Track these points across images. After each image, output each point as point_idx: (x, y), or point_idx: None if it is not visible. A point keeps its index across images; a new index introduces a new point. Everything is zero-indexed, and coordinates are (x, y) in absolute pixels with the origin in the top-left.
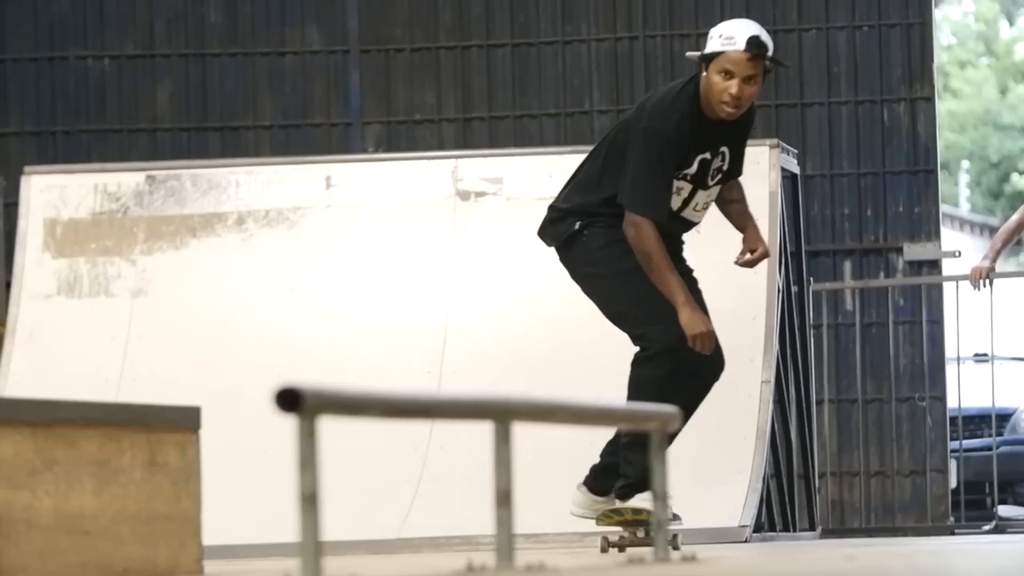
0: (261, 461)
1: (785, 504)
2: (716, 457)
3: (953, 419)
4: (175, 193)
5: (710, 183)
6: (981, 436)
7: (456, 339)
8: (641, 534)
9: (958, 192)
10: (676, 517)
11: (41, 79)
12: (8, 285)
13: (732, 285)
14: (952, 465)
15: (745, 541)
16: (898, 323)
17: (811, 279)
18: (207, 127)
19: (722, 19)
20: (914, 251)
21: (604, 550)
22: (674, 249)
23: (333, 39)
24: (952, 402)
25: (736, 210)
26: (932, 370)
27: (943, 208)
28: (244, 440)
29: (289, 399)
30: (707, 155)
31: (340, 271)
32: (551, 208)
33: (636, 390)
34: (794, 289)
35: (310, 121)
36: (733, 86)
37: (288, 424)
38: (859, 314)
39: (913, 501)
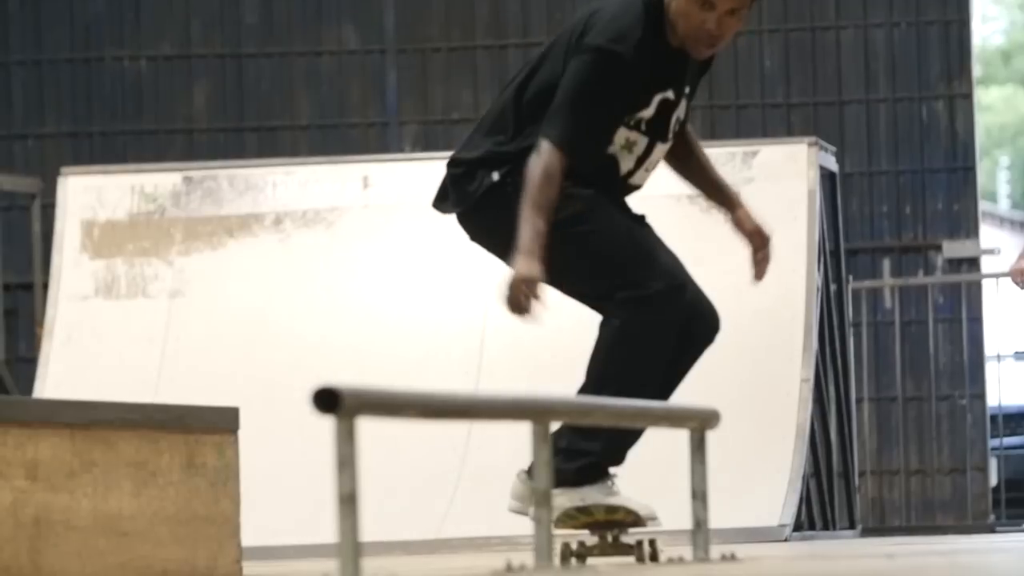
0: (299, 462)
1: (825, 503)
2: (756, 456)
3: (993, 417)
4: (212, 194)
5: (670, 134)
6: (1022, 434)
7: (494, 339)
8: (612, 539)
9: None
10: (653, 518)
11: (77, 80)
12: (46, 286)
13: (771, 284)
14: (992, 463)
15: (785, 540)
16: (938, 321)
17: (850, 277)
18: (244, 127)
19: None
20: (953, 248)
21: (565, 558)
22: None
23: (370, 39)
24: (992, 400)
25: (700, 170)
26: (972, 368)
27: (982, 205)
28: (282, 441)
29: (327, 400)
30: (670, 95)
31: (377, 271)
32: (452, 163)
33: (621, 344)
34: (833, 287)
35: (347, 121)
36: (712, 19)
37: (326, 425)
38: (898, 312)
39: (953, 499)
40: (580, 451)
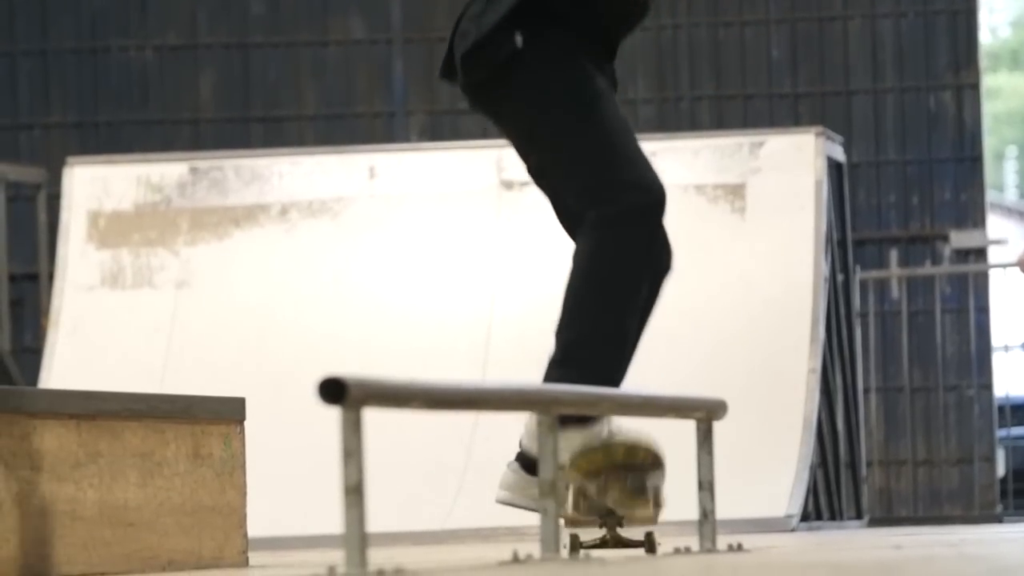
0: (305, 452)
1: (832, 493)
2: (762, 446)
3: (1001, 407)
4: (218, 184)
5: None
6: None
7: (501, 329)
8: (612, 537)
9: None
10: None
11: (83, 70)
12: (51, 277)
13: (778, 275)
14: (1000, 453)
15: (792, 531)
16: (945, 311)
17: (857, 267)
18: (250, 118)
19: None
20: (960, 239)
21: (574, 549)
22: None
23: (376, 28)
24: (1000, 390)
25: None
26: (979, 358)
27: (989, 195)
28: (288, 431)
29: (333, 390)
30: None
31: (384, 262)
32: (464, 21)
33: (596, 260)
34: (840, 278)
35: (353, 111)
36: None
37: (332, 415)
38: (906, 302)
39: (961, 490)
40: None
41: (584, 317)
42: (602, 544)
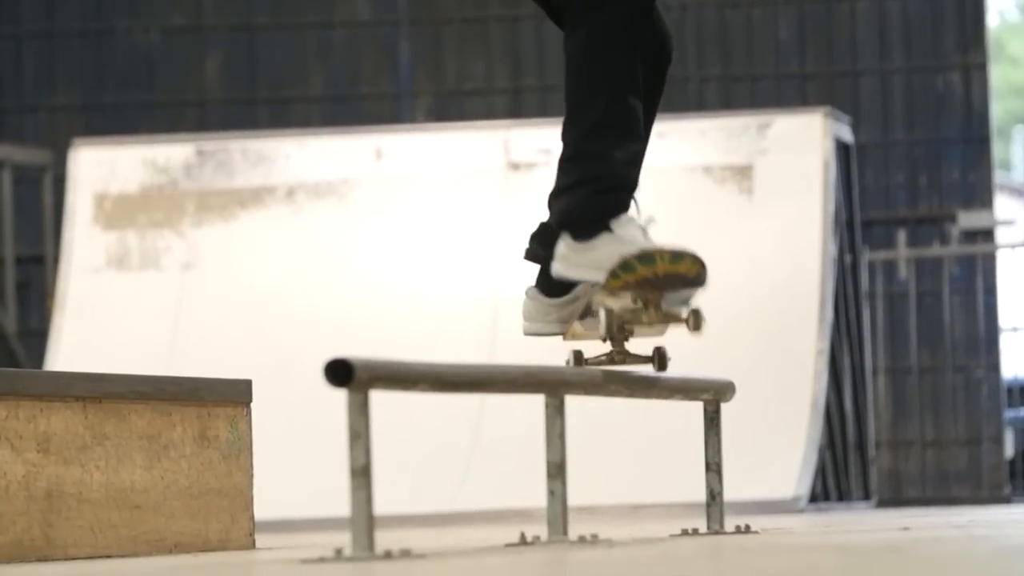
0: (312, 434)
1: (840, 475)
2: (770, 428)
3: (1009, 388)
4: (224, 166)
5: None
6: None
7: (508, 311)
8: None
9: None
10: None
11: (89, 52)
12: (57, 259)
13: (786, 256)
14: (1008, 435)
15: (800, 512)
16: (953, 292)
17: (865, 248)
18: (256, 99)
19: None
20: (969, 219)
21: (608, 332)
22: None
23: (382, 10)
24: (1008, 371)
25: None
26: (987, 339)
27: (997, 176)
28: (295, 413)
29: (340, 372)
30: None
31: (391, 243)
32: None
33: (585, 46)
34: (848, 259)
35: (359, 92)
36: None
37: (339, 397)
38: (914, 283)
39: (969, 471)
40: (607, 159)
41: (584, 108)
42: (609, 360)
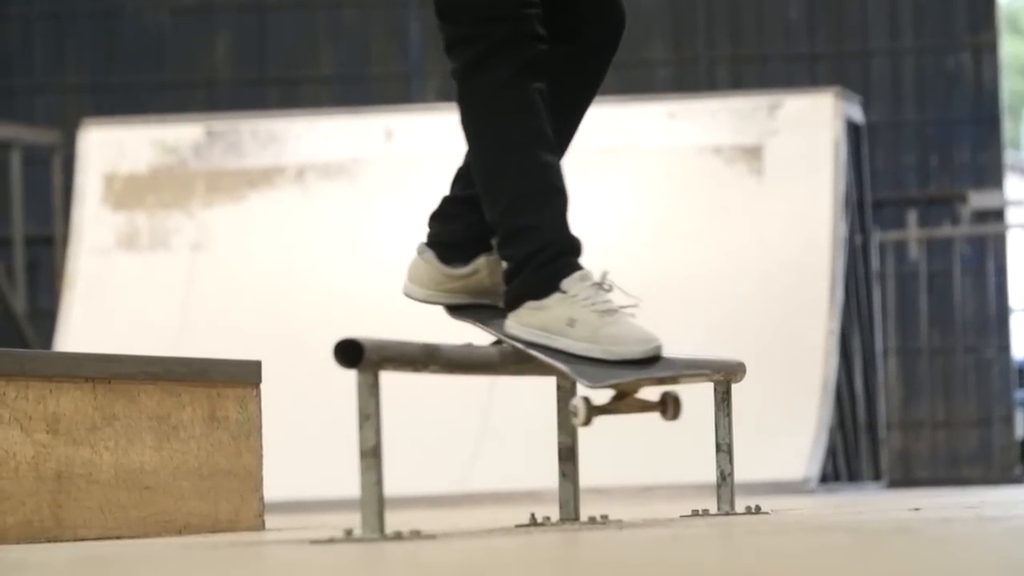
0: (322, 415)
1: (850, 455)
2: (781, 409)
3: (1020, 369)
4: (234, 146)
5: None
6: None
7: None
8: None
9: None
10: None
11: (98, 32)
12: (67, 240)
13: (796, 236)
14: (1019, 415)
15: (810, 493)
16: (963, 272)
17: (876, 229)
18: (266, 80)
19: None
20: (979, 199)
21: (587, 421)
22: None
23: None
24: (1018, 352)
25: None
26: (998, 320)
27: (1008, 156)
28: (305, 394)
29: (350, 353)
30: None
31: (401, 224)
32: None
33: (467, 120)
34: (858, 239)
35: (369, 73)
36: None
37: (349, 378)
38: (924, 264)
39: (979, 452)
40: (531, 228)
41: (495, 185)
42: (614, 409)
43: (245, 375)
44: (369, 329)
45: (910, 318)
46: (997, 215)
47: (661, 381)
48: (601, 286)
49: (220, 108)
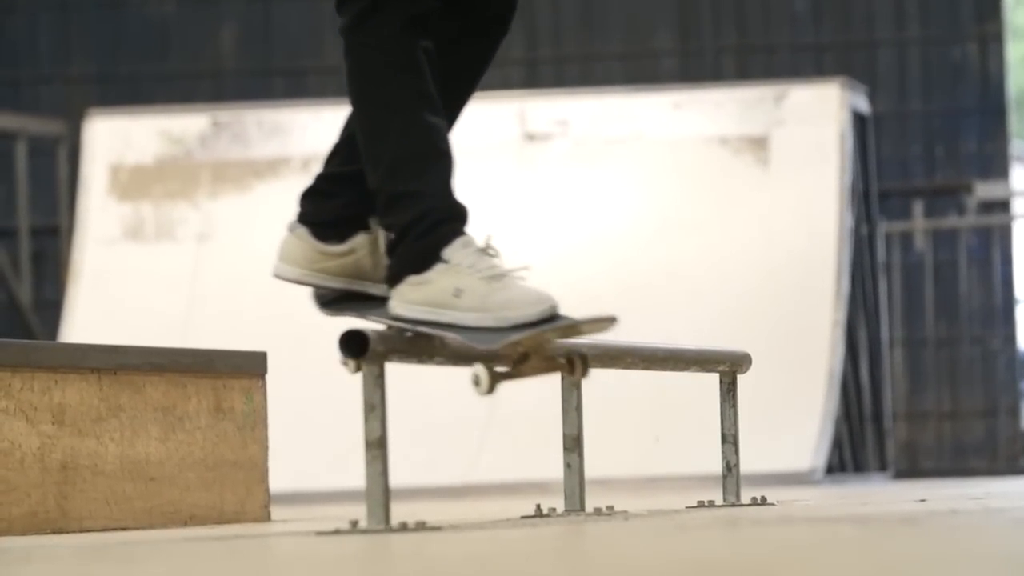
0: (328, 406)
1: (856, 446)
2: (787, 400)
3: None
4: (239, 137)
5: None
6: None
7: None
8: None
9: None
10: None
11: (104, 22)
12: (72, 230)
13: (802, 227)
14: None
15: (816, 484)
16: (970, 263)
17: (882, 219)
18: (271, 70)
19: None
20: (985, 190)
21: (490, 389)
22: None
23: None
24: None
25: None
26: (1004, 310)
27: (1014, 146)
28: (311, 385)
29: (355, 344)
30: None
31: None
32: None
33: (351, 81)
34: (864, 230)
35: None
36: None
37: None
38: (930, 254)
39: (985, 442)
40: (412, 194)
41: (377, 146)
42: (518, 373)
43: (251, 366)
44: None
45: (916, 309)
46: (1003, 206)
47: (564, 333)
48: (486, 251)
49: (226, 99)
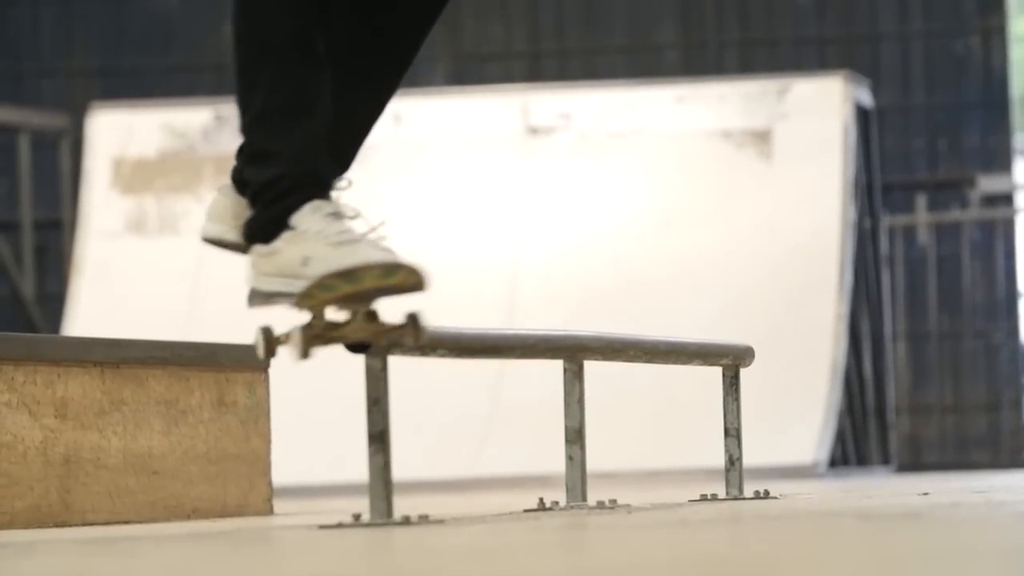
0: (331, 400)
1: (859, 440)
2: (790, 393)
3: None
4: None
5: None
6: None
7: (527, 276)
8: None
9: None
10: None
11: (107, 16)
12: (75, 224)
13: (805, 221)
14: None
15: (819, 477)
16: (972, 256)
17: (885, 213)
18: None
19: None
20: (988, 183)
21: (305, 353)
22: None
23: None
24: None
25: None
26: (1007, 304)
27: (1017, 140)
28: (313, 378)
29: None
30: None
31: (409, 208)
32: None
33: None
34: (867, 223)
35: None
36: None
37: (358, 363)
38: (933, 248)
39: (988, 436)
40: (270, 152)
41: (246, 94)
42: (341, 336)
43: (254, 360)
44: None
45: (919, 302)
46: (1006, 199)
47: (388, 273)
48: (338, 215)
49: (229, 92)
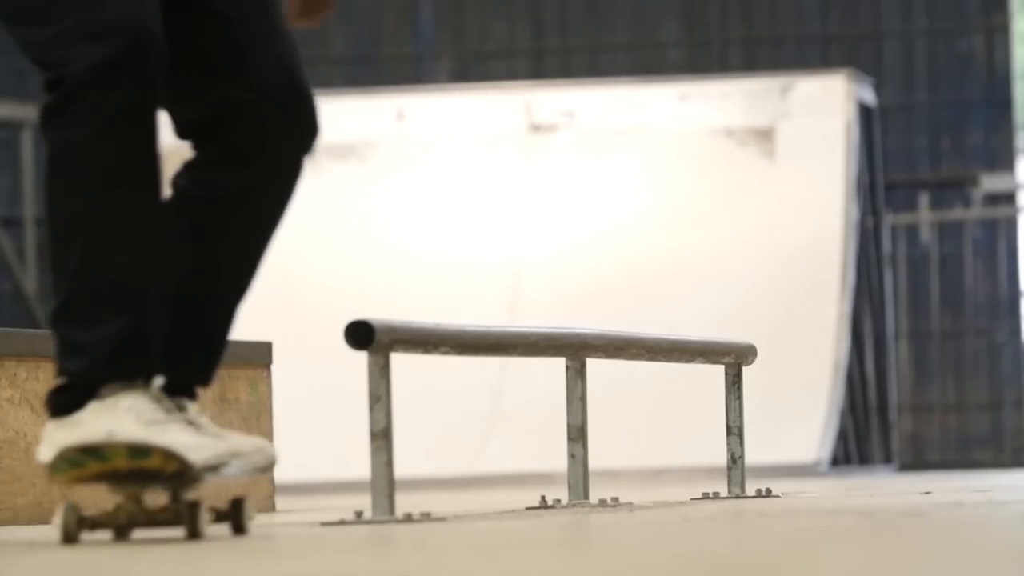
0: (333, 397)
1: (861, 438)
2: (792, 391)
3: None
4: None
5: None
6: None
7: (530, 274)
8: (157, 498)
9: None
10: (214, 468)
11: None
12: None
13: (808, 219)
14: None
15: (821, 476)
16: (975, 255)
17: (887, 211)
18: None
19: None
20: (991, 182)
21: (69, 534)
22: None
23: None
24: None
25: None
26: (1010, 303)
27: (1020, 139)
28: (316, 376)
29: (360, 334)
30: None
31: (412, 205)
32: None
33: (49, 189)
34: (870, 222)
35: (381, 53)
36: None
37: (360, 360)
38: (936, 246)
39: (991, 435)
40: (74, 345)
41: (56, 276)
42: (128, 522)
43: (256, 356)
44: (379, 310)
45: (921, 301)
46: (1009, 198)
47: (138, 454)
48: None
49: None
